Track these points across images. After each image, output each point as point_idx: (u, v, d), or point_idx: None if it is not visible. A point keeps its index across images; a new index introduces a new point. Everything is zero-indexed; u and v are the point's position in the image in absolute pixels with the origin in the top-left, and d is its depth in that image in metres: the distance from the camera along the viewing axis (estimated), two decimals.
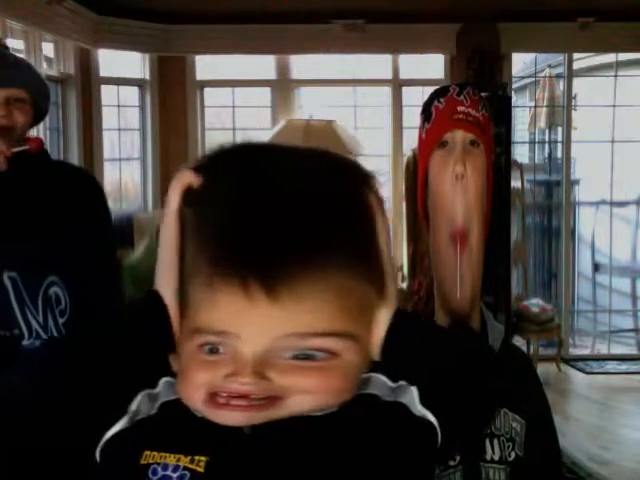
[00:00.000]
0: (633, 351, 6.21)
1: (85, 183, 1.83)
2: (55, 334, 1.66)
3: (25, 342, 1.65)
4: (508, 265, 5.46)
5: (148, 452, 0.75)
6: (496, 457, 1.21)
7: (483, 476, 1.20)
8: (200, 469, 0.73)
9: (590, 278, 6.58)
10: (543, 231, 6.54)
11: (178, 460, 0.74)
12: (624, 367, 5.83)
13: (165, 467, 0.73)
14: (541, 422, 1.27)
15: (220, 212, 0.74)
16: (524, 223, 5.91)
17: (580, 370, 5.72)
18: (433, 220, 1.23)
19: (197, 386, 0.74)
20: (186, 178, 0.79)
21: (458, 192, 1.19)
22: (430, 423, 0.76)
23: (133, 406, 0.78)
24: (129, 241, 5.12)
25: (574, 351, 6.09)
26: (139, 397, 0.79)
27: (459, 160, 1.18)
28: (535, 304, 5.62)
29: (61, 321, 1.67)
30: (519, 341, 5.47)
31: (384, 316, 0.78)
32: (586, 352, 6.13)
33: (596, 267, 6.53)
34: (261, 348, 0.71)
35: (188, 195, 0.79)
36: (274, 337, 0.71)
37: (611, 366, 5.85)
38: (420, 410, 0.77)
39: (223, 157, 0.80)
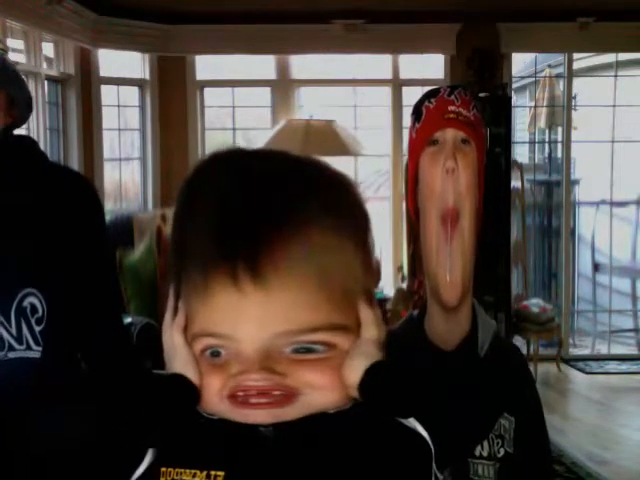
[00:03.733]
0: (633, 351, 6.21)
1: (78, 190, 1.76)
2: (32, 343, 1.62)
3: None
4: (508, 265, 5.46)
5: (164, 469, 0.75)
6: (485, 453, 1.22)
7: (472, 472, 1.21)
8: None
9: (590, 278, 6.58)
10: (543, 231, 6.54)
11: (194, 476, 0.73)
12: (624, 367, 5.83)
13: None
14: (531, 419, 1.27)
15: (206, 215, 0.74)
16: (524, 223, 5.91)
17: (580, 370, 5.72)
18: (423, 209, 1.22)
19: (215, 391, 0.74)
20: (182, 319, 0.78)
21: (449, 185, 1.19)
22: (423, 437, 0.75)
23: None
24: (129, 241, 5.12)
25: (574, 351, 6.09)
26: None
27: (450, 156, 1.18)
28: (535, 304, 5.62)
29: (38, 329, 1.62)
30: (519, 341, 5.47)
31: (364, 303, 0.77)
32: (586, 352, 6.13)
33: (596, 267, 6.53)
34: (260, 345, 0.72)
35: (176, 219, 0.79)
36: (270, 334, 0.71)
37: (611, 366, 5.85)
38: (411, 422, 0.76)
39: (203, 168, 0.82)
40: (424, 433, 0.75)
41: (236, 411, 0.73)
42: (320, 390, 0.72)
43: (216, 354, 0.74)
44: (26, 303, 1.62)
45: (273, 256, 0.70)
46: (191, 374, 0.75)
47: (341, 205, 0.76)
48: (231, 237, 0.71)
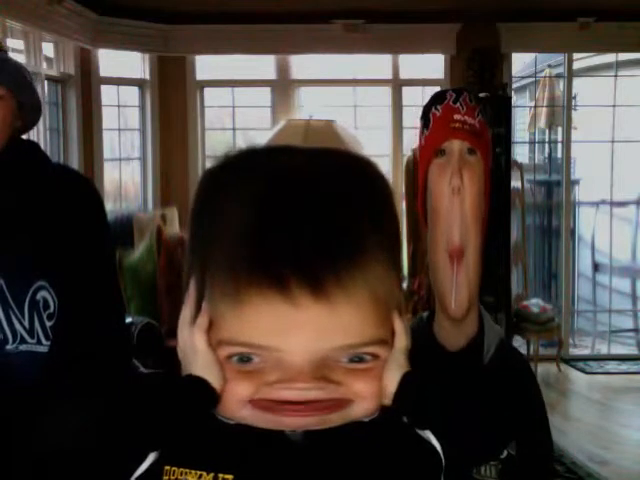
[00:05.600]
0: (633, 351, 6.21)
1: (81, 190, 1.79)
2: (42, 338, 1.65)
3: (9, 347, 1.64)
4: (508, 265, 5.46)
5: (168, 467, 0.71)
6: None
7: (474, 471, 1.22)
8: None
9: (590, 278, 6.59)
10: (543, 231, 6.54)
11: (200, 477, 0.70)
12: (624, 367, 5.83)
13: None
14: (535, 423, 1.29)
15: (241, 214, 0.68)
16: (524, 223, 5.91)
17: (580, 370, 5.72)
18: (431, 232, 1.26)
19: (241, 397, 0.70)
20: (205, 321, 0.72)
21: (455, 206, 1.22)
22: (436, 449, 0.76)
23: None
24: (129, 241, 5.12)
25: (574, 351, 6.09)
26: None
27: (456, 173, 1.22)
28: (535, 304, 5.62)
29: (49, 324, 1.65)
30: (519, 341, 5.48)
31: (397, 314, 0.76)
32: (586, 352, 6.13)
33: (596, 267, 6.53)
34: (314, 356, 0.68)
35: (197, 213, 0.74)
36: (329, 347, 0.69)
37: (611, 366, 5.85)
38: (426, 433, 0.76)
39: (233, 162, 0.75)
40: (437, 445, 0.75)
41: (266, 417, 0.69)
42: (366, 399, 0.72)
43: (246, 360, 0.69)
44: (39, 297, 1.65)
45: (335, 269, 0.66)
46: (213, 378, 0.71)
47: (392, 233, 0.76)
48: (278, 245, 0.66)
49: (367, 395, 0.72)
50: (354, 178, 0.74)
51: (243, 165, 0.74)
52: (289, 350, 0.68)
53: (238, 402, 0.70)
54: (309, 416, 0.69)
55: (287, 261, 0.65)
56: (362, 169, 0.77)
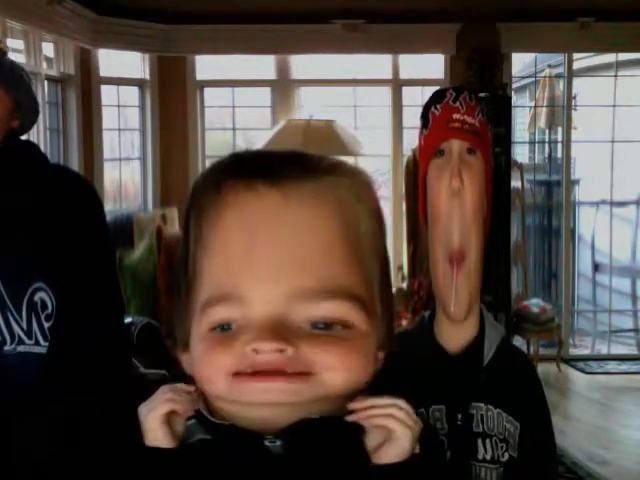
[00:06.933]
0: (633, 351, 6.21)
1: (80, 191, 1.79)
2: (40, 339, 1.65)
3: (7, 348, 1.63)
4: (508, 265, 5.46)
5: None
6: (488, 457, 1.22)
7: (474, 474, 1.21)
8: None
9: (590, 278, 6.58)
10: (543, 231, 6.54)
11: None
12: (624, 367, 5.83)
13: None
14: (537, 426, 1.28)
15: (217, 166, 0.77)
16: (524, 223, 5.91)
17: (580, 370, 5.72)
18: (430, 234, 1.25)
19: (219, 366, 0.70)
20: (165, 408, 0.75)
21: (455, 208, 1.21)
22: None
23: None
24: (129, 241, 5.12)
25: (574, 351, 6.09)
26: None
27: (455, 174, 1.21)
28: (535, 304, 5.62)
29: (47, 325, 1.65)
30: (519, 341, 5.48)
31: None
32: (586, 352, 6.13)
33: (596, 267, 6.53)
34: (273, 309, 0.69)
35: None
36: (282, 292, 0.69)
37: (611, 366, 5.85)
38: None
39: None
40: None
41: (243, 387, 0.69)
42: (336, 371, 0.69)
43: (226, 328, 0.70)
44: (37, 298, 1.65)
45: (298, 177, 0.73)
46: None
47: (370, 200, 0.77)
48: (250, 162, 0.75)
49: (338, 366, 0.69)
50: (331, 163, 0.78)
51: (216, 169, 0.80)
52: (252, 298, 0.69)
53: (221, 373, 0.70)
54: (275, 381, 0.68)
55: (260, 170, 0.73)
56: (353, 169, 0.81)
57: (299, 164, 0.74)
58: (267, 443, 0.71)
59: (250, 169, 0.73)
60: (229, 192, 0.72)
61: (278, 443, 0.70)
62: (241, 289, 0.70)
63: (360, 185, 0.76)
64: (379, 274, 0.76)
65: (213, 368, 0.70)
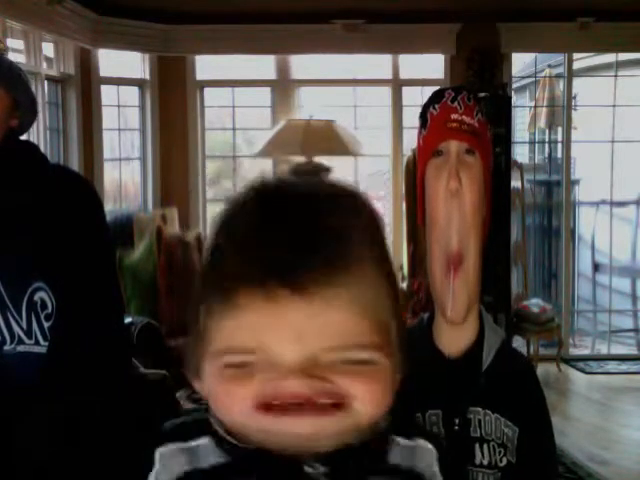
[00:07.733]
0: (633, 351, 6.20)
1: (80, 190, 1.79)
2: (40, 339, 1.65)
3: (7, 347, 1.64)
4: (508, 265, 5.46)
5: None
6: (485, 462, 1.21)
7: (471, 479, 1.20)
8: None
9: (590, 278, 6.58)
10: (543, 231, 6.54)
11: None
12: (624, 367, 5.83)
13: None
14: (537, 429, 1.26)
15: (239, 233, 0.70)
16: (524, 223, 5.91)
17: (580, 370, 5.72)
18: (429, 236, 1.24)
19: (241, 397, 0.68)
20: None
21: (453, 210, 1.20)
22: None
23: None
24: (129, 241, 5.12)
25: (574, 351, 6.09)
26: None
27: (453, 175, 1.19)
28: (535, 304, 5.62)
29: (46, 325, 1.65)
30: (519, 341, 5.48)
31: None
32: (586, 352, 6.13)
33: (596, 267, 6.53)
34: (303, 356, 0.67)
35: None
36: (313, 348, 0.67)
37: (611, 366, 5.85)
38: (436, 471, 0.77)
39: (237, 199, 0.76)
40: None
41: (265, 419, 0.67)
42: (365, 402, 0.69)
43: (242, 366, 0.68)
44: (36, 298, 1.65)
45: (312, 271, 0.67)
46: None
47: (381, 252, 0.74)
48: (265, 252, 0.68)
49: (366, 397, 0.68)
50: (345, 197, 0.75)
51: (245, 199, 0.74)
52: (278, 349, 0.67)
53: (240, 403, 0.68)
54: (304, 417, 0.66)
55: (269, 265, 0.67)
56: (355, 195, 0.76)
57: (317, 252, 0.68)
58: (307, 468, 0.69)
59: (265, 269, 0.67)
60: (242, 299, 0.68)
61: (322, 470, 0.69)
62: (264, 346, 0.68)
63: (368, 226, 0.74)
64: (393, 309, 0.74)
65: (236, 400, 0.68)
